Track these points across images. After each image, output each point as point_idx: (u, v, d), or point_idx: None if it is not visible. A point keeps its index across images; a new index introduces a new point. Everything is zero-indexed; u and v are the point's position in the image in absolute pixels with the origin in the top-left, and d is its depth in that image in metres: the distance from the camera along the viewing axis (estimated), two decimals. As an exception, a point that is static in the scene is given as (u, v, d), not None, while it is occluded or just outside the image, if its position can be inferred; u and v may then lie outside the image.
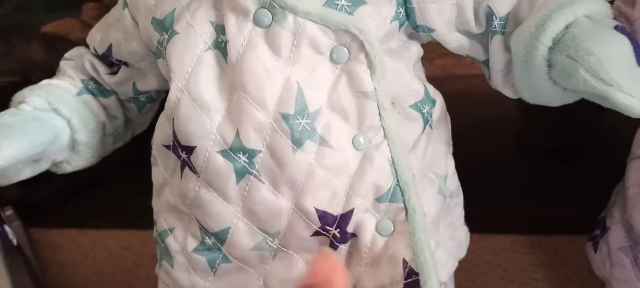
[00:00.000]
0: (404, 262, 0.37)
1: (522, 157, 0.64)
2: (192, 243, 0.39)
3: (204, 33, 0.36)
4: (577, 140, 0.62)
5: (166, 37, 0.37)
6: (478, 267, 0.61)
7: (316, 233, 0.36)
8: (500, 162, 0.62)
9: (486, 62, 0.39)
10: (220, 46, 0.36)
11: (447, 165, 0.41)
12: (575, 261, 0.59)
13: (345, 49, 0.35)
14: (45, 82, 0.43)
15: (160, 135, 0.39)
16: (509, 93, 0.39)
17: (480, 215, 0.60)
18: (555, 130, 0.61)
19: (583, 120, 0.58)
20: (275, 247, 0.36)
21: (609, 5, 0.36)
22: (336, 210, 0.36)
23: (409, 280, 0.37)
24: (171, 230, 0.40)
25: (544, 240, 0.61)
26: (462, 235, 0.43)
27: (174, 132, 0.37)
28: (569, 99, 0.37)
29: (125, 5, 0.40)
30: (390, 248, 0.37)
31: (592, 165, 0.55)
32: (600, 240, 0.49)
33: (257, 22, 0.35)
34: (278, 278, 0.37)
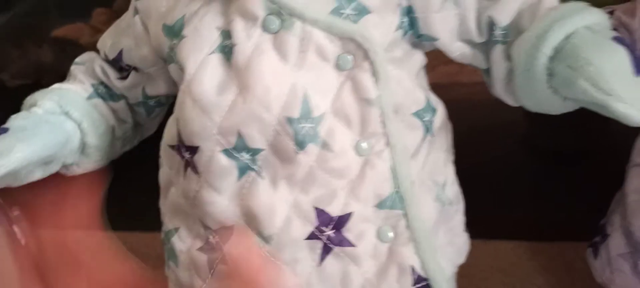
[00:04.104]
0: (412, 269, 0.38)
1: (525, 164, 0.65)
2: (197, 243, 0.39)
3: (210, 37, 0.37)
4: (581, 147, 0.63)
5: (176, 42, 0.38)
6: (482, 272, 0.62)
7: (311, 236, 0.37)
8: (503, 169, 0.63)
9: (488, 71, 0.40)
10: (225, 50, 0.37)
11: (447, 173, 0.42)
12: (578, 267, 0.59)
13: (350, 56, 0.36)
14: (56, 86, 0.44)
15: (167, 136, 0.40)
16: (510, 101, 0.40)
17: (483, 221, 0.60)
18: (559, 137, 0.61)
19: (587, 127, 0.59)
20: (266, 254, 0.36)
21: (608, 17, 0.37)
22: (334, 211, 0.37)
23: (418, 285, 0.38)
24: (176, 229, 0.41)
25: (547, 247, 0.62)
26: (461, 242, 0.44)
27: (178, 133, 0.38)
28: (569, 107, 0.37)
29: (136, 12, 0.42)
30: (397, 257, 0.38)
31: (596, 172, 0.56)
32: (601, 247, 0.50)
33: (265, 28, 0.36)
34: None
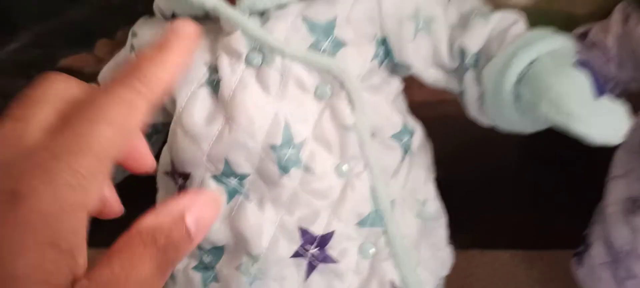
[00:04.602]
0: (392, 283, 0.40)
1: (522, 174, 0.66)
2: (192, 262, 0.42)
3: (199, 72, 0.39)
4: (579, 156, 0.63)
5: None
6: (479, 281, 0.62)
7: (296, 254, 0.39)
8: (498, 178, 0.64)
9: (462, 94, 0.42)
10: (213, 84, 0.39)
11: (428, 190, 0.44)
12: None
13: (328, 86, 0.38)
14: None
15: (162, 164, 0.42)
16: (484, 121, 0.42)
17: (480, 231, 0.61)
18: (555, 147, 0.62)
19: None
20: (253, 273, 0.39)
21: (571, 41, 0.39)
22: (317, 230, 0.39)
23: None
24: None
25: (545, 255, 0.63)
26: (444, 255, 0.46)
27: (171, 161, 0.41)
28: (539, 126, 0.39)
29: (133, 48, 0.44)
30: (378, 271, 0.40)
31: (594, 182, 0.57)
32: (584, 256, 0.52)
33: (248, 63, 0.38)
34: None
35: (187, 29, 0.23)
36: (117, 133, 0.21)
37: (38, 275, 0.18)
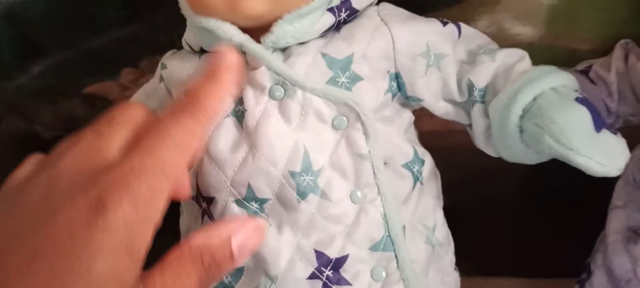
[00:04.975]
0: None
1: (526, 202, 0.67)
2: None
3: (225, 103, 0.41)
4: (580, 187, 0.65)
5: None
6: None
7: (312, 276, 0.41)
8: (503, 206, 0.65)
9: (470, 126, 0.44)
10: (237, 114, 0.41)
11: (436, 217, 0.46)
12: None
13: (344, 118, 0.40)
14: None
15: None
16: (491, 152, 0.44)
17: (484, 258, 0.63)
18: (559, 178, 0.64)
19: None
20: None
21: (574, 78, 0.41)
22: (332, 253, 0.41)
23: None
24: None
25: (548, 283, 0.63)
26: (452, 280, 0.48)
27: (196, 185, 0.42)
28: (542, 158, 0.41)
29: (162, 79, 0.47)
30: None
31: (595, 211, 0.58)
32: (586, 284, 0.53)
33: (271, 96, 0.40)
34: None
35: (233, 60, 0.26)
36: (183, 156, 0.24)
37: (113, 275, 0.21)
